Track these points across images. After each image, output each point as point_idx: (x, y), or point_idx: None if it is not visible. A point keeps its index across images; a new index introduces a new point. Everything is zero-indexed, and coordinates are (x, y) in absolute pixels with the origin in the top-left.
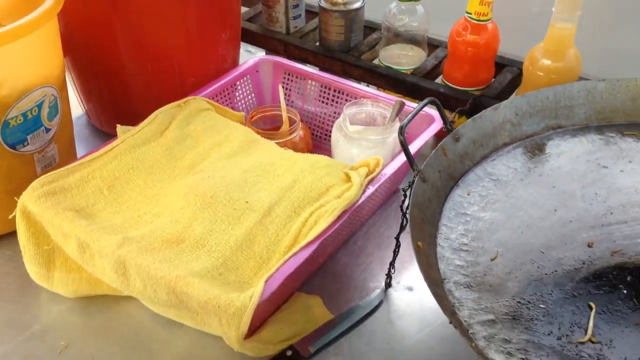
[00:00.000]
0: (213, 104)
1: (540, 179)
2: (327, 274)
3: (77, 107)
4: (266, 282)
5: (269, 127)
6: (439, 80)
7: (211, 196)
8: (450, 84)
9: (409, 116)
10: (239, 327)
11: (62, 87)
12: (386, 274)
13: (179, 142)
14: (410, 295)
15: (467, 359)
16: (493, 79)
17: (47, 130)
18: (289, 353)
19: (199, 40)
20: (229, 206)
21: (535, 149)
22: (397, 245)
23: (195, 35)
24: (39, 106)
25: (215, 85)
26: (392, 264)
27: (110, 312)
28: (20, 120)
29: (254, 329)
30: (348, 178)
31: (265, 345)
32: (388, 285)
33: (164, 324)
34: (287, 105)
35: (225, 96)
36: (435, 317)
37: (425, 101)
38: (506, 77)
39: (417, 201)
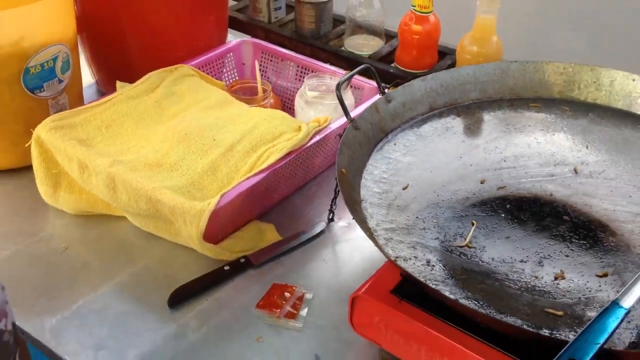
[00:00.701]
0: (198, 72)
1: (454, 136)
2: (281, 211)
3: (89, 78)
4: (222, 195)
5: (246, 96)
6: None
7: (186, 133)
8: (400, 67)
9: (345, 77)
10: (198, 225)
11: (74, 48)
12: (329, 210)
13: (166, 98)
14: (347, 229)
15: (379, 262)
16: (436, 64)
17: (60, 81)
18: (242, 260)
19: (190, 21)
20: (199, 142)
21: (454, 114)
22: (337, 185)
23: (187, 17)
24: (54, 60)
25: (202, 58)
26: (333, 200)
27: (103, 227)
28: (38, 69)
29: (215, 241)
30: (299, 128)
31: (222, 251)
32: (330, 219)
33: (145, 237)
34: (263, 78)
35: (210, 69)
36: (363, 242)
37: (360, 67)
38: (446, 62)
39: (347, 142)
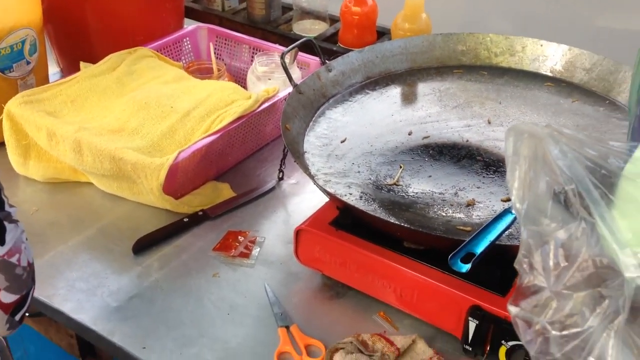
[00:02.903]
0: (156, 53)
1: (387, 98)
2: (236, 172)
3: (54, 67)
4: (180, 152)
5: (202, 75)
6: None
7: (145, 102)
8: (342, 46)
9: (290, 47)
10: (158, 178)
11: (40, 33)
12: (279, 169)
13: (126, 75)
14: (295, 185)
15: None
16: (375, 43)
17: (28, 62)
18: (200, 213)
19: (148, 9)
20: (158, 109)
21: (388, 81)
22: (285, 146)
23: (145, 4)
24: (22, 42)
25: (160, 42)
26: (282, 160)
27: (70, 192)
28: (8, 51)
29: (175, 198)
30: (250, 97)
31: (181, 204)
32: (280, 178)
33: (110, 198)
34: (218, 60)
35: (168, 52)
36: (310, 195)
37: (303, 39)
38: (384, 40)
39: (292, 103)
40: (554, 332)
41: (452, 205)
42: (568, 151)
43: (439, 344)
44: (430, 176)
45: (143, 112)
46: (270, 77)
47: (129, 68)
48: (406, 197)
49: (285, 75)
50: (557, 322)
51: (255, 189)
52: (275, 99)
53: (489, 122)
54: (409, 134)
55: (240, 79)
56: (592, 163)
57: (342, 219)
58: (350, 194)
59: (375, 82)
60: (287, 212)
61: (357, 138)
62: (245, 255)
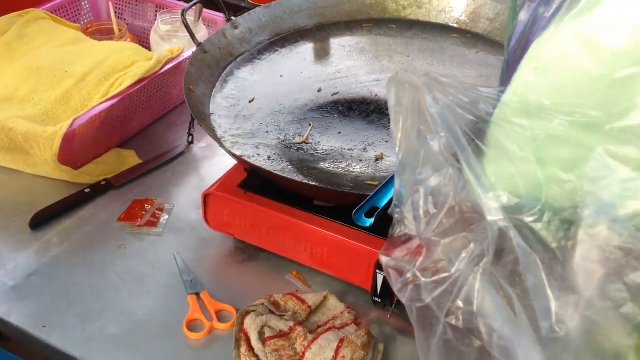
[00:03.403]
0: (51, 15)
1: (297, 55)
2: (143, 138)
3: None
4: (75, 119)
5: (102, 36)
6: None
7: (37, 67)
8: (251, 2)
9: (191, 4)
10: (52, 148)
11: None
12: (188, 132)
13: (17, 40)
14: (206, 149)
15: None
16: None
17: None
18: (103, 183)
19: None
20: (51, 74)
21: (298, 37)
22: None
23: None
24: None
25: (55, 2)
26: (191, 123)
27: None
28: None
29: (74, 167)
30: (152, 57)
31: (81, 175)
32: (190, 142)
33: (4, 172)
34: (120, 20)
35: (64, 13)
36: (221, 158)
37: None
38: None
39: (195, 63)
40: (424, 279)
41: (361, 160)
42: (440, 99)
43: (351, 298)
44: (339, 133)
45: (34, 78)
46: (175, 37)
47: (19, 32)
48: (315, 154)
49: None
50: (427, 269)
51: (163, 154)
52: (180, 59)
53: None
54: (319, 91)
55: (145, 40)
56: (463, 110)
57: (251, 180)
58: (259, 154)
59: (285, 38)
60: (199, 176)
61: (266, 97)
62: (153, 224)
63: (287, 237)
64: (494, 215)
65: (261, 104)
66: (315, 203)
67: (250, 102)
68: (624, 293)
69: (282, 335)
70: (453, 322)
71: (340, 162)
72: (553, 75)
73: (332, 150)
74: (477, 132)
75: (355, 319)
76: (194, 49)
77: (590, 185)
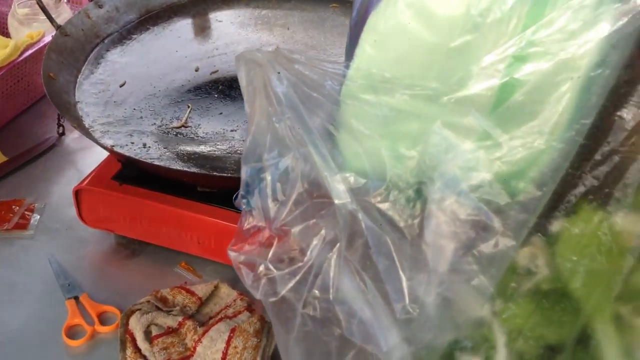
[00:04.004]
0: None
1: (171, 33)
2: (8, 132)
3: None
4: None
5: None
6: None
7: None
8: None
9: None
10: None
11: None
12: (57, 123)
13: None
14: (81, 139)
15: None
16: None
17: None
18: None
19: None
20: None
21: (171, 13)
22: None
23: None
24: None
25: None
26: (59, 115)
27: None
28: None
29: None
30: (7, 45)
31: None
32: (61, 133)
33: None
34: None
35: None
36: (98, 148)
37: None
38: None
39: (56, 48)
40: (277, 272)
41: (244, 141)
42: (286, 77)
43: (243, 285)
44: (221, 113)
45: None
46: (35, 20)
47: None
48: (196, 138)
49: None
50: (280, 261)
51: (31, 149)
52: (41, 44)
53: None
54: (196, 70)
55: (4, 26)
56: (309, 88)
57: (126, 171)
58: (132, 143)
59: (157, 16)
60: (73, 170)
61: (139, 80)
62: (22, 226)
63: (171, 228)
64: (342, 198)
65: (133, 87)
66: (199, 189)
67: (121, 86)
68: (474, 265)
69: (170, 332)
70: (311, 312)
71: (223, 145)
72: (392, 47)
73: (213, 132)
74: (324, 112)
75: (249, 306)
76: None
77: (433, 160)
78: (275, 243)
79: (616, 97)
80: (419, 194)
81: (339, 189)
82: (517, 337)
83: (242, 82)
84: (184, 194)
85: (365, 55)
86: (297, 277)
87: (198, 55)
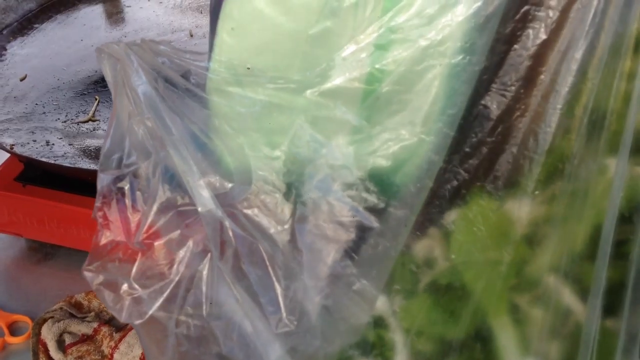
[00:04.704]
0: None
1: (75, 21)
2: None
3: None
4: None
5: None
6: None
7: None
8: None
9: None
10: None
11: None
12: None
13: None
14: None
15: None
16: None
17: None
18: None
19: None
20: None
21: (75, 0)
22: None
23: None
24: None
25: None
26: None
27: None
28: None
29: None
30: None
31: None
32: None
33: None
34: None
35: None
36: None
37: None
38: None
39: None
40: (142, 290)
41: None
42: (145, 73)
43: None
44: None
45: None
46: None
47: None
48: (104, 132)
49: None
50: (144, 278)
51: None
52: None
53: (191, 35)
54: None
55: None
56: (173, 85)
57: (30, 171)
58: (35, 141)
59: (60, 2)
60: None
61: (41, 73)
62: None
63: (81, 229)
64: (206, 205)
65: (35, 81)
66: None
67: (22, 80)
68: (353, 269)
69: (85, 339)
70: (185, 331)
71: None
72: (251, 35)
73: None
74: (190, 109)
75: None
76: None
77: (300, 160)
78: (138, 259)
79: (479, 85)
80: (288, 196)
81: (203, 195)
82: (417, 335)
83: (108, 77)
84: (92, 193)
85: (225, 45)
86: (165, 294)
87: (105, 42)
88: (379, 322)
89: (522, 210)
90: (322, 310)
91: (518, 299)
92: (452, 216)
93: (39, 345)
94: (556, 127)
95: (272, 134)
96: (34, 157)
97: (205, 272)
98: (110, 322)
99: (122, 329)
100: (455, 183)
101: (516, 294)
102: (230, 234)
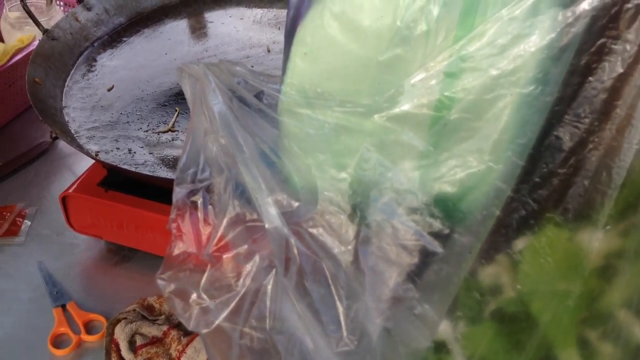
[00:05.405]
0: None
1: (161, 35)
2: (1, 138)
3: None
4: None
5: None
6: None
7: None
8: None
9: None
10: None
11: None
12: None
13: None
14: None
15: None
16: None
17: None
18: None
19: None
20: None
21: (162, 15)
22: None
23: None
24: None
25: None
26: None
27: None
28: None
29: None
30: None
31: None
32: (54, 137)
33: None
34: None
35: None
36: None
37: None
38: None
39: (42, 52)
40: (210, 300)
41: None
42: (221, 93)
43: None
44: None
45: None
46: (27, 24)
47: None
48: (183, 143)
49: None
50: (212, 289)
51: (24, 154)
52: (31, 48)
53: (269, 50)
54: None
55: None
56: (247, 105)
57: (112, 177)
58: (118, 148)
59: (147, 17)
60: (65, 174)
61: (127, 84)
62: (13, 232)
63: (157, 234)
64: (273, 222)
65: (121, 91)
66: None
67: (109, 90)
68: (415, 293)
69: (155, 341)
70: (248, 343)
71: None
72: (322, 60)
73: None
74: (261, 129)
75: None
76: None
77: (366, 183)
78: (208, 270)
79: (551, 115)
80: (353, 218)
81: (270, 212)
82: None
83: (188, 96)
84: (169, 200)
85: (297, 68)
86: (232, 306)
87: (187, 58)
88: (440, 348)
89: (593, 243)
90: (383, 332)
91: (587, 333)
92: (519, 246)
93: (111, 345)
94: (631, 163)
95: (339, 156)
96: (116, 164)
97: (269, 287)
98: (179, 325)
99: (190, 333)
100: (523, 212)
101: (585, 328)
102: (295, 251)
